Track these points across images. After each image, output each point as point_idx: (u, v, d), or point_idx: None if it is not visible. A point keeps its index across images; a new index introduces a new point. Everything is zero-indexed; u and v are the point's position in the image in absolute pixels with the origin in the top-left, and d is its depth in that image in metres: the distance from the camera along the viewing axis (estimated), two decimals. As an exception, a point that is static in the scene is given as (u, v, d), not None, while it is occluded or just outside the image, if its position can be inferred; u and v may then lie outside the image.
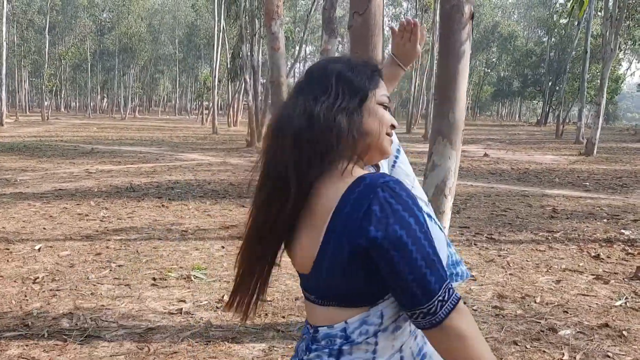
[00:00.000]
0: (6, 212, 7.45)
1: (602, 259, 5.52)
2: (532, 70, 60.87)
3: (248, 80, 22.40)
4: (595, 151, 20.48)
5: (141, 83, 68.39)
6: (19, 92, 63.61)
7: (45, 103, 49.84)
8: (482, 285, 4.61)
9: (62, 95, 73.81)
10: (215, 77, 32.63)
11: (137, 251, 5.58)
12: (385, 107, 1.18)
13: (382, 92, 1.18)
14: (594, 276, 4.93)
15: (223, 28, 33.31)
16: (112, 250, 5.59)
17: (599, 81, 37.36)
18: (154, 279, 4.67)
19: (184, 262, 5.21)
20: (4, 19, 35.93)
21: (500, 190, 10.54)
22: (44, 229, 6.50)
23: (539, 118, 60.15)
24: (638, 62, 53.14)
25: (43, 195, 8.92)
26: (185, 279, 4.70)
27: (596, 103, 22.04)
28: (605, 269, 5.16)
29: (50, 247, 5.68)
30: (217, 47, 32.26)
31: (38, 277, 4.64)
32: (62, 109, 74.44)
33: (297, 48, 37.93)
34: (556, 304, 4.17)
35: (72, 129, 31.76)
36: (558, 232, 6.78)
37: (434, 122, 3.51)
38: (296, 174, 1.08)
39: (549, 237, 6.48)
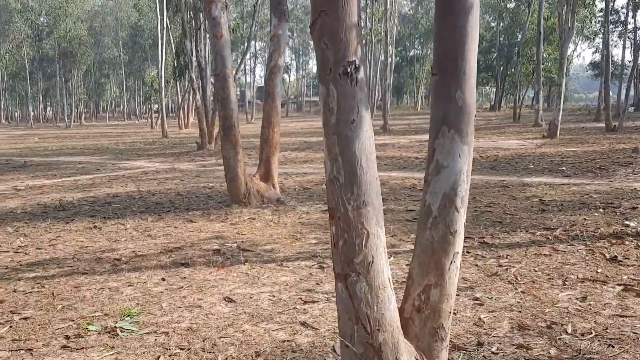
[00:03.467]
0: None
1: (620, 261, 4.66)
2: (483, 55, 61.28)
3: (194, 78, 20.99)
4: (558, 133, 20.11)
5: (86, 89, 65.39)
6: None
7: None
8: (492, 312, 3.65)
9: (2, 106, 69.95)
10: (162, 77, 30.99)
11: (53, 294, 4.38)
12: None
13: None
14: (622, 286, 4.04)
15: (167, 26, 31.66)
16: (20, 295, 4.37)
17: (549, 63, 37.60)
18: (67, 337, 3.51)
19: (111, 306, 4.05)
20: None
21: (476, 182, 9.69)
22: (-62, 269, 5.20)
23: (492, 103, 60.66)
24: (584, 43, 53.78)
25: (-47, 222, 7.53)
26: (109, 332, 3.55)
27: (557, 84, 21.71)
28: (630, 275, 4.29)
29: (-62, 296, 4.42)
30: (162, 47, 30.60)
31: None
32: (3, 120, 70.50)
33: (246, 44, 36.58)
34: (594, 333, 3.24)
35: (10, 141, 29.61)
36: (556, 228, 5.92)
37: (435, 106, 2.50)
38: None
39: (549, 237, 5.60)
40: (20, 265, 5.29)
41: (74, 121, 55.81)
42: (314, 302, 3.97)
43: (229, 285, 4.47)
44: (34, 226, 7.10)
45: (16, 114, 79.29)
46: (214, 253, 5.50)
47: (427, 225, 2.49)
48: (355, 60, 2.28)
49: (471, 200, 7.93)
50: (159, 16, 30.66)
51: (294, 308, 3.87)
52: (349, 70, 2.27)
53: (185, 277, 4.71)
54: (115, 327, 3.61)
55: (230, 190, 8.17)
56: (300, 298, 4.07)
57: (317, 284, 4.41)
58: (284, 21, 8.44)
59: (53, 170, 14.09)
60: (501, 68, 52.19)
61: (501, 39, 53.45)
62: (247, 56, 54.01)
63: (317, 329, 3.47)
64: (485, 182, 9.61)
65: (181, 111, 40.78)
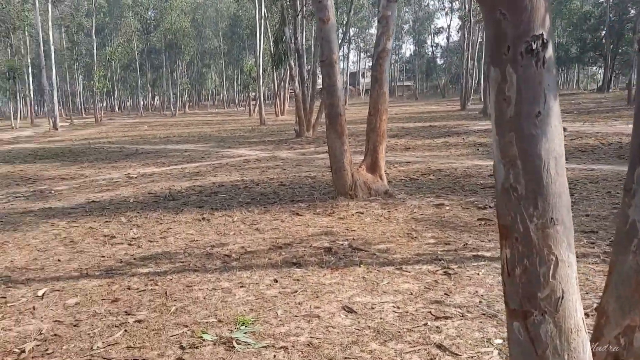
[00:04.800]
0: (24, 237, 6.32)
1: None
2: (591, 34, 56.73)
3: (293, 65, 20.92)
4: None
5: (189, 78, 68.29)
6: (73, 95, 64.92)
7: (99, 104, 50.53)
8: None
9: (115, 96, 74.99)
10: (259, 66, 31.41)
11: (166, 293, 4.23)
12: None
13: None
14: None
15: (264, 15, 31.98)
16: (134, 294, 4.26)
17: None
18: (182, 347, 3.28)
19: (225, 311, 3.81)
20: (50, 24, 36.00)
21: (605, 173, 8.66)
22: (58, 261, 5.27)
23: (599, 84, 56.09)
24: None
25: (72, 210, 7.80)
26: (224, 344, 3.29)
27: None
28: None
29: (58, 290, 4.41)
30: (260, 36, 30.96)
31: (24, 350, 3.34)
32: (117, 109, 75.67)
33: (343, 29, 36.19)
34: None
35: (122, 129, 31.42)
36: None
37: (645, 92, 1.91)
38: None
39: None
40: (134, 259, 5.25)
41: (178, 109, 58.49)
42: (446, 317, 3.48)
43: (346, 291, 4.08)
44: (145, 216, 7.16)
45: (128, 103, 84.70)
46: (326, 252, 5.15)
47: (631, 248, 1.91)
48: (542, 34, 1.75)
49: (605, 195, 7.04)
50: (257, 6, 31.03)
51: (424, 324, 3.40)
52: (534, 46, 1.74)
53: (298, 280, 4.39)
54: (231, 337, 3.34)
55: (335, 182, 7.82)
56: (430, 312, 3.59)
57: (445, 294, 3.91)
58: (393, 2, 7.89)
59: (162, 158, 14.55)
60: (611, 46, 47.92)
61: (611, 15, 48.98)
62: (343, 43, 53.58)
63: (457, 354, 2.98)
64: (616, 174, 8.55)
65: (277, 98, 41.28)
